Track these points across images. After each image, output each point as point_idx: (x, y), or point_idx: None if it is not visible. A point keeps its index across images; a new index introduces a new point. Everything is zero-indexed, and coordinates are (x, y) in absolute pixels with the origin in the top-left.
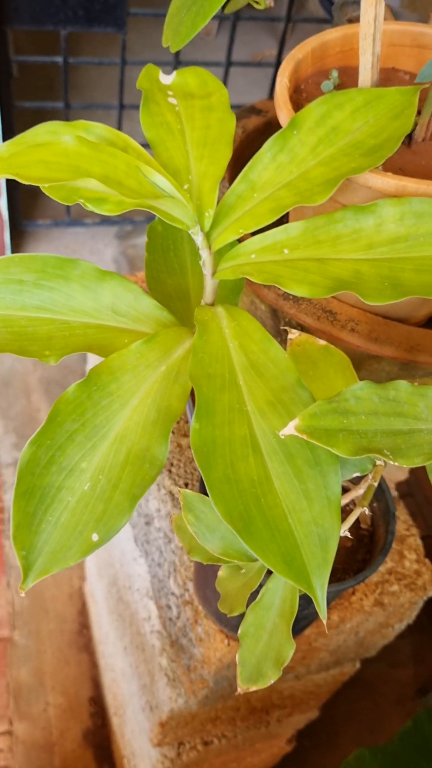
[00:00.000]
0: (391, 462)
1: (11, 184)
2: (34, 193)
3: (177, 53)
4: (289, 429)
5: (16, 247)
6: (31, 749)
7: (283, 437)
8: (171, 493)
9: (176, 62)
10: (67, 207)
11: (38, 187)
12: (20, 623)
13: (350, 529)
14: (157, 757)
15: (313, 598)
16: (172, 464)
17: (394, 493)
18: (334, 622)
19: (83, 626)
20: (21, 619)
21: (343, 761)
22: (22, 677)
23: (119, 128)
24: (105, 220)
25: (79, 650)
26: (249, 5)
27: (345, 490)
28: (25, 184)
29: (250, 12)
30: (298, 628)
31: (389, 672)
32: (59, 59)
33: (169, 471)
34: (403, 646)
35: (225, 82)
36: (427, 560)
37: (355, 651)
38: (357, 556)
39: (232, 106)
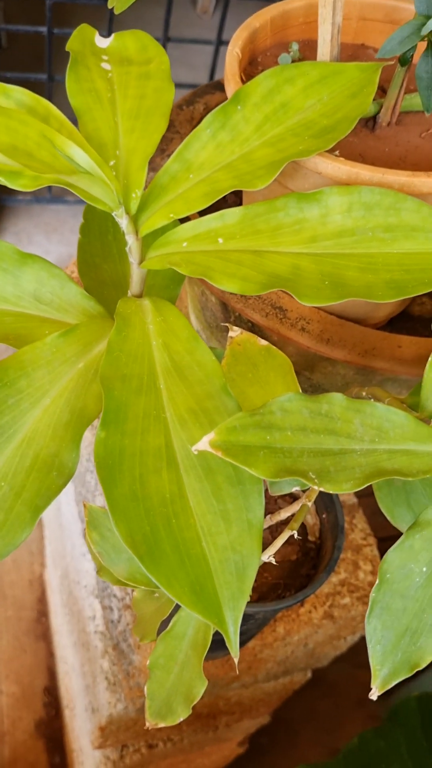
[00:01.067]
0: (316, 487)
1: None
2: None
3: (166, 29)
4: (204, 444)
5: None
6: None
7: (196, 452)
8: None
9: (165, 38)
10: None
11: None
12: None
13: (297, 542)
14: (100, 758)
15: (223, 634)
16: None
17: (354, 498)
18: (280, 635)
19: (42, 614)
20: None
21: (299, 763)
22: None
23: None
24: None
25: (36, 638)
26: None
27: (294, 499)
28: None
29: None
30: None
31: (352, 672)
32: (43, 29)
33: None
34: (365, 647)
35: (215, 62)
36: None
37: (305, 661)
38: (301, 571)
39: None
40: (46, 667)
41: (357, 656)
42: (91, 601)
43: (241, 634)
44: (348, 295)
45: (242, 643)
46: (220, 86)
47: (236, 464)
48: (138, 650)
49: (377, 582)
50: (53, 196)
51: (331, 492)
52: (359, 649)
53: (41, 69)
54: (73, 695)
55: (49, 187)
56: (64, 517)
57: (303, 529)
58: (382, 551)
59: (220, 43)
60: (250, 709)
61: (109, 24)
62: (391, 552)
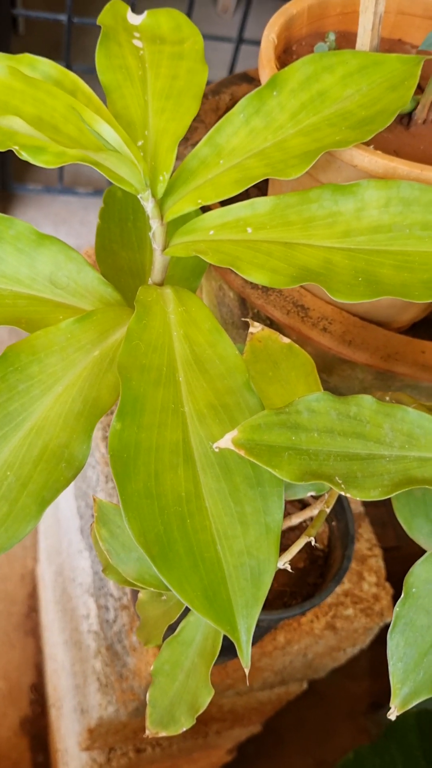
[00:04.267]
0: (343, 493)
1: None
2: None
3: None
4: (226, 441)
5: (3, 210)
6: None
7: (218, 450)
8: None
9: None
10: (60, 173)
11: None
12: None
13: (303, 549)
14: (86, 761)
15: (235, 643)
16: None
17: (360, 507)
18: (280, 644)
19: (32, 609)
20: None
21: None
22: None
23: None
24: (98, 191)
25: (25, 634)
26: None
27: (304, 505)
28: None
29: None
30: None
31: (343, 683)
32: (63, 17)
33: None
34: (360, 658)
35: (235, 59)
36: (387, 584)
37: (302, 672)
38: (308, 579)
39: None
40: (34, 664)
41: (349, 667)
42: (85, 600)
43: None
44: (383, 293)
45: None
46: (247, 77)
47: (259, 464)
48: (133, 653)
49: (402, 596)
50: (64, 186)
51: (358, 498)
52: (354, 660)
53: (58, 57)
54: (60, 694)
55: (60, 177)
56: (61, 512)
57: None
58: (387, 562)
59: (241, 41)
60: (242, 718)
61: None
62: (418, 565)
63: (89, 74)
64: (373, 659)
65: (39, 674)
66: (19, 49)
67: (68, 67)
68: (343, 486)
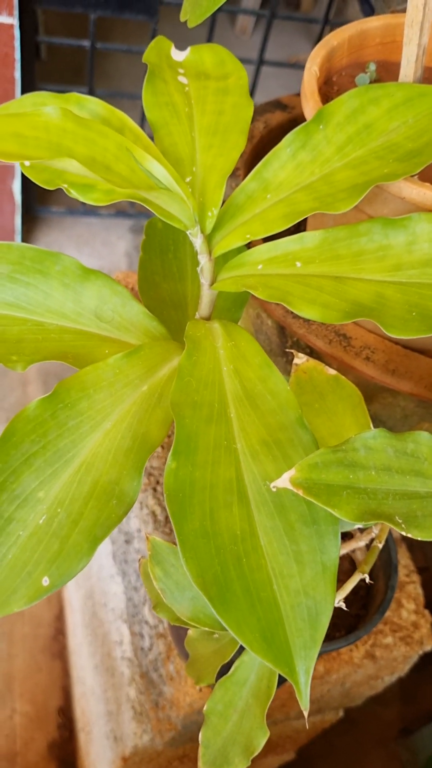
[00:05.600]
0: (403, 533)
1: None
2: None
3: None
4: (284, 481)
5: (27, 232)
6: None
7: (275, 490)
8: (153, 513)
9: None
10: None
11: None
12: None
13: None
14: None
15: (294, 685)
16: (158, 481)
17: (395, 533)
18: (319, 673)
19: (59, 632)
20: None
21: None
22: None
23: (144, 120)
24: (120, 212)
25: (52, 657)
26: (284, 3)
27: (344, 536)
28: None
29: (287, 11)
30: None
31: (374, 709)
32: (86, 43)
33: (155, 489)
34: (391, 684)
35: (255, 81)
36: (426, 611)
37: (339, 701)
38: (351, 611)
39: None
40: (61, 687)
41: (381, 694)
42: (118, 626)
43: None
44: None
45: (282, 682)
46: (279, 105)
47: (318, 504)
48: (170, 682)
49: None
50: (86, 208)
51: (419, 538)
52: (386, 687)
53: (80, 82)
54: (90, 719)
55: None
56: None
57: (352, 566)
58: (423, 586)
59: (261, 62)
60: (277, 746)
61: (151, 40)
62: None
63: (111, 99)
64: (404, 685)
65: (66, 698)
66: (42, 74)
67: (91, 91)
68: (403, 526)
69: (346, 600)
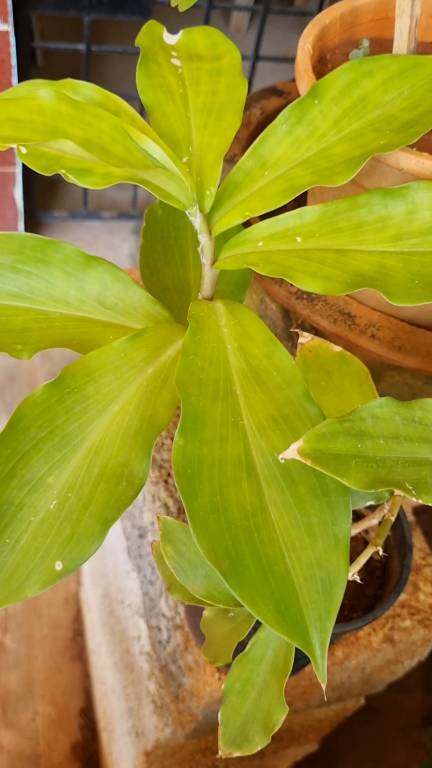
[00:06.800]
0: (414, 499)
1: (28, 173)
2: (51, 183)
3: None
4: (291, 452)
5: None
6: (17, 760)
7: (283, 461)
8: (166, 506)
9: None
10: (84, 199)
11: (56, 177)
12: (12, 627)
13: None
14: None
15: (310, 657)
16: (169, 474)
17: (410, 516)
18: (338, 659)
19: (77, 633)
20: (14, 623)
21: None
22: (11, 684)
23: (143, 113)
24: (122, 215)
25: (72, 658)
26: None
27: (356, 518)
28: (42, 174)
29: (281, 6)
30: (297, 666)
31: (396, 698)
32: (81, 47)
33: (166, 481)
34: (411, 672)
35: (251, 77)
36: None
37: (360, 687)
38: (367, 591)
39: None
40: (82, 688)
41: (401, 681)
42: (136, 621)
43: (303, 657)
44: None
45: (301, 668)
46: (276, 91)
47: (326, 474)
48: (189, 673)
49: None
50: (88, 212)
51: (431, 504)
52: (407, 674)
53: None
54: (111, 718)
55: (85, 203)
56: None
57: (366, 546)
58: None
59: (257, 58)
60: (299, 736)
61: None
62: None
63: None
64: (425, 673)
65: (87, 698)
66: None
67: None
68: (413, 492)
69: (363, 581)
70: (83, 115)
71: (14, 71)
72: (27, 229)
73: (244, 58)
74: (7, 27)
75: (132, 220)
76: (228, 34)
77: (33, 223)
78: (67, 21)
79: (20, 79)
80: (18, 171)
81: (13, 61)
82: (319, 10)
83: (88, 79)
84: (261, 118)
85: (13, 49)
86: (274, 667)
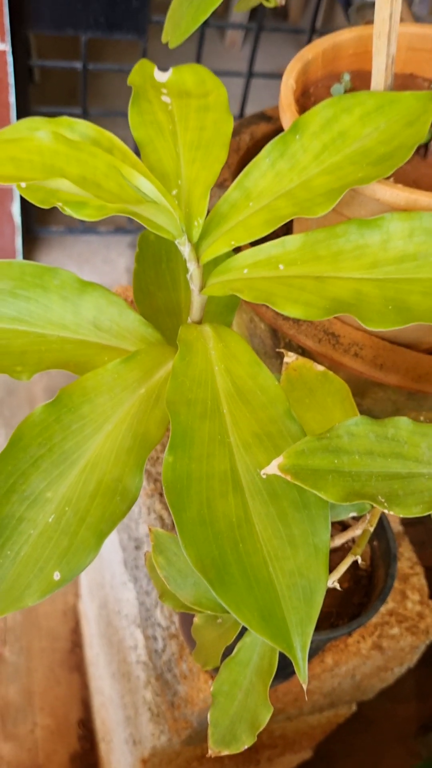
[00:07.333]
0: (386, 510)
1: None
2: None
3: (198, 61)
4: (272, 468)
5: (27, 253)
6: None
7: (265, 476)
8: (161, 518)
9: None
10: None
11: None
12: (11, 639)
13: (347, 570)
14: None
15: (292, 660)
16: None
17: (399, 526)
18: (329, 666)
19: (76, 645)
20: (12, 635)
21: None
22: (10, 696)
23: None
24: (119, 229)
25: (70, 670)
26: (272, 15)
27: (343, 528)
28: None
29: (275, 23)
30: (287, 673)
31: (390, 707)
32: (78, 65)
33: (161, 494)
34: (406, 680)
35: (246, 93)
36: (431, 602)
37: (351, 694)
38: (353, 599)
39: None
40: (81, 700)
41: (395, 690)
42: (132, 631)
43: (291, 665)
44: (413, 320)
45: (291, 674)
46: (264, 117)
47: (305, 488)
48: (184, 680)
49: None
50: (85, 227)
51: (400, 515)
52: (401, 682)
53: (74, 103)
54: (110, 728)
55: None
56: (103, 545)
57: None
58: (429, 581)
59: (251, 75)
60: (293, 743)
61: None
62: None
63: (105, 118)
64: (418, 680)
65: (86, 709)
66: (37, 97)
67: (85, 111)
68: (385, 504)
69: (350, 590)
70: (79, 154)
71: (11, 89)
72: (24, 243)
73: (238, 74)
74: (4, 46)
75: (128, 235)
76: (223, 50)
77: (30, 239)
78: (64, 39)
79: (18, 97)
80: (15, 187)
81: (11, 79)
82: (312, 26)
83: (85, 96)
84: (250, 143)
85: (10, 68)
86: (260, 670)
